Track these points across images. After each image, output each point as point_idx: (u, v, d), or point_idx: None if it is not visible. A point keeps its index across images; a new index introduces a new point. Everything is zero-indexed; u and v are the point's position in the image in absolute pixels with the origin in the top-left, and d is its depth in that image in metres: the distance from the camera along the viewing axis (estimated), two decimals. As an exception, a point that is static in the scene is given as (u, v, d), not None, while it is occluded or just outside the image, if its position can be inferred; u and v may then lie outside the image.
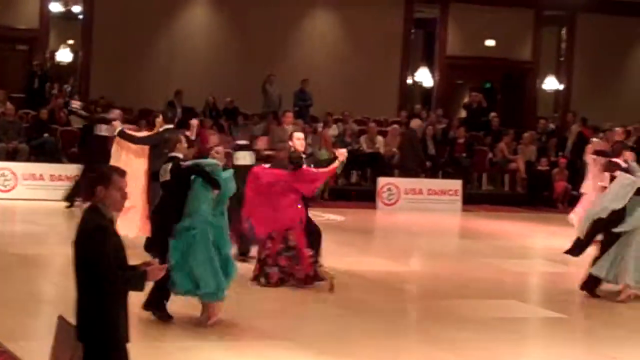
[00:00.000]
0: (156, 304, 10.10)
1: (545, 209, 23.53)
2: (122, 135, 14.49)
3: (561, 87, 29.59)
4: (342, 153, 12.77)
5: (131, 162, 13.89)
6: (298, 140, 12.75)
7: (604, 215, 13.10)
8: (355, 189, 23.57)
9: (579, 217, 15.72)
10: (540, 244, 18.88)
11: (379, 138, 24.16)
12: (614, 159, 13.93)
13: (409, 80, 28.71)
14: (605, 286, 13.24)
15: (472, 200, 23.19)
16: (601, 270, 13.12)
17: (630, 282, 13.09)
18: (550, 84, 29.53)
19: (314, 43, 27.15)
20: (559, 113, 29.56)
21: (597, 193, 14.29)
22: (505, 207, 23.46)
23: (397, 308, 12.41)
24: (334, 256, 14.04)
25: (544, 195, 24.35)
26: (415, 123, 24.32)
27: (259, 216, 12.52)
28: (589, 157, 16.98)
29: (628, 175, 13.36)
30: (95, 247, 5.66)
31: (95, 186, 5.81)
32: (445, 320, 11.62)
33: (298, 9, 26.91)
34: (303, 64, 26.53)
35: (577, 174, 23.58)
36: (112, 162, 13.52)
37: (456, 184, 22.96)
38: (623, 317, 12.67)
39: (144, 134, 15.14)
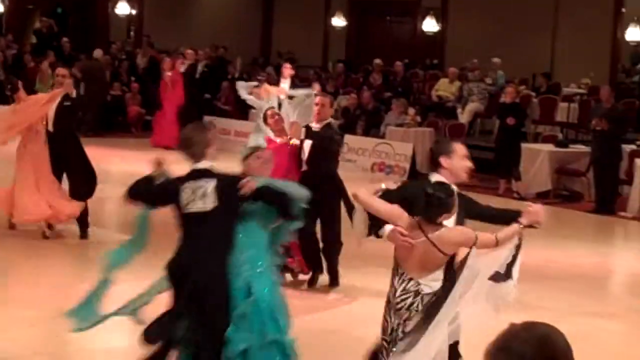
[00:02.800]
0: None
1: (119, 133, 23.64)
2: None
3: (133, 11, 29.61)
4: None
5: None
6: None
7: None
8: None
9: None
10: (117, 169, 18.93)
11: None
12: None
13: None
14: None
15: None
16: None
17: None
18: (123, 8, 29.45)
19: None
20: (132, 38, 29.64)
21: None
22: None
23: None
24: None
25: (118, 120, 24.45)
26: (98, 53, 24.32)
27: None
28: None
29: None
30: None
31: None
32: (21, 252, 11.50)
33: None
34: None
35: (149, 99, 23.94)
36: None
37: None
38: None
39: None
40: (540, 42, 24.34)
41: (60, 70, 12.60)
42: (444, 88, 22.87)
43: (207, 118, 23.31)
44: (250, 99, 15.27)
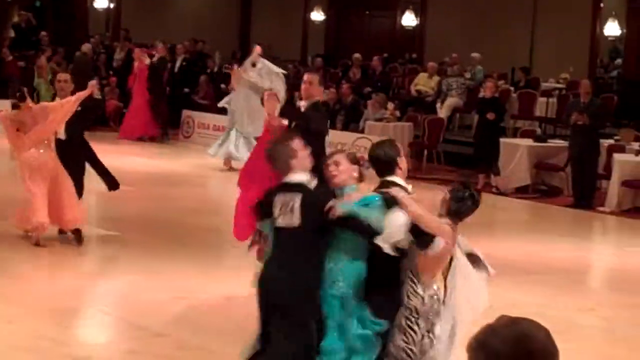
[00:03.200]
0: None
1: (97, 127, 23.47)
2: None
3: (112, 5, 29.52)
4: None
5: None
6: None
7: None
8: None
9: None
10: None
11: None
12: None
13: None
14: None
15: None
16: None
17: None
18: (101, 2, 29.36)
19: None
20: (110, 32, 29.54)
21: None
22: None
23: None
24: None
25: (97, 116, 24.33)
26: (86, 47, 24.40)
27: None
28: None
29: None
30: None
31: None
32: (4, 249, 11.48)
33: None
34: None
35: (125, 92, 23.86)
36: None
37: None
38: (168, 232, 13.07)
39: None
40: (519, 36, 24.38)
41: (62, 76, 12.19)
42: (423, 83, 22.87)
43: (185, 112, 23.28)
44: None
